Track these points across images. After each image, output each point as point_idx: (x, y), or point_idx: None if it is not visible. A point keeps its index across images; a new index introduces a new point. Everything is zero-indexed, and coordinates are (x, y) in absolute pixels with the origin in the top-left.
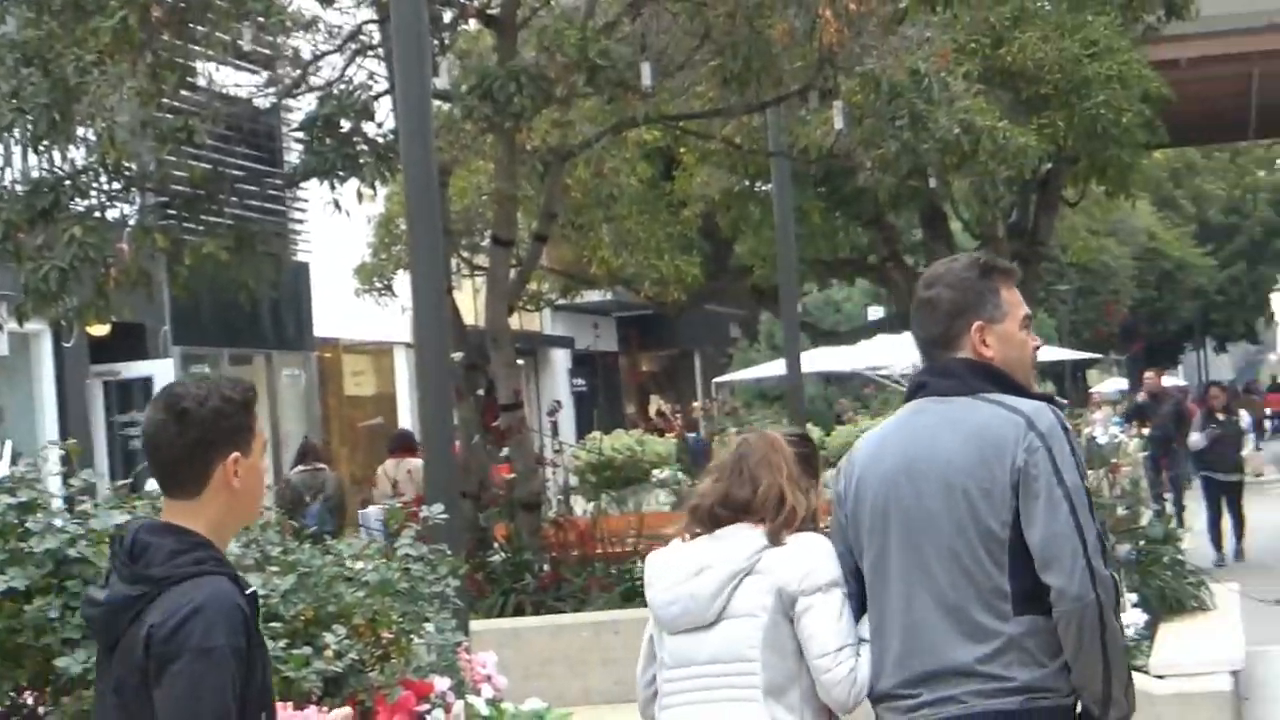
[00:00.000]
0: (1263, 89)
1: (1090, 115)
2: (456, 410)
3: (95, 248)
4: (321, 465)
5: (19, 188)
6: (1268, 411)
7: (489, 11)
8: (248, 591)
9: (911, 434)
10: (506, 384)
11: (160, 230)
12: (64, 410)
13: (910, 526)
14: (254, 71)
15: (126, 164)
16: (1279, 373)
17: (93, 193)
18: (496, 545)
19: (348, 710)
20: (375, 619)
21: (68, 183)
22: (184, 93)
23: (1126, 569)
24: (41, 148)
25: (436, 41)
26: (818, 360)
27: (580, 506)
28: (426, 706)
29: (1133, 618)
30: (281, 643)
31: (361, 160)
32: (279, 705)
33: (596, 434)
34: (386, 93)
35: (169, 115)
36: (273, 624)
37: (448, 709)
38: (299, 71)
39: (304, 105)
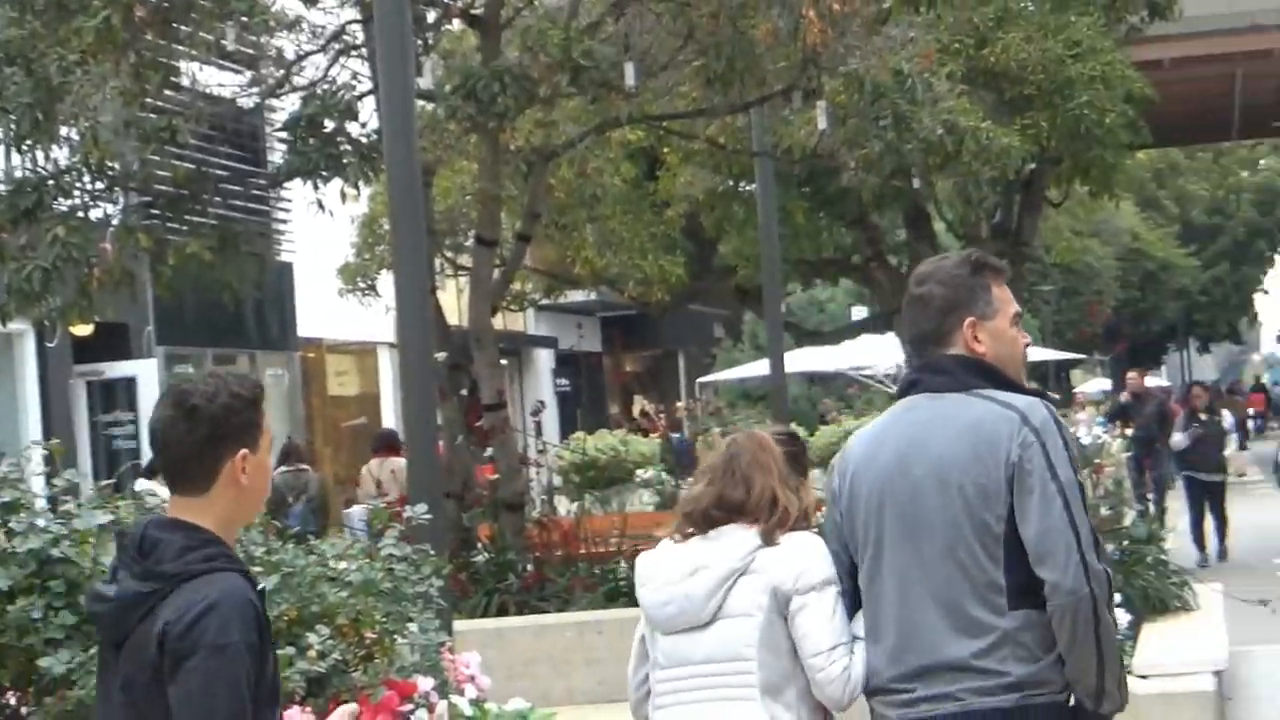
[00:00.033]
0: (1246, 89)
1: (1074, 116)
2: (440, 410)
3: (79, 247)
4: (304, 466)
5: (2, 187)
6: (1250, 411)
7: (472, 11)
8: (258, 588)
9: (905, 430)
10: (490, 384)
11: (144, 230)
12: (47, 410)
13: (905, 522)
14: (237, 71)
15: (110, 164)
16: (1262, 373)
17: (76, 192)
18: (480, 545)
19: (354, 707)
20: (359, 619)
21: (51, 182)
22: (167, 92)
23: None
24: (25, 147)
25: (420, 41)
26: (801, 360)
27: (564, 507)
28: (410, 706)
29: (1116, 618)
30: None
31: (345, 160)
32: None
33: (580, 434)
34: (370, 93)
35: (152, 115)
36: None
37: (431, 709)
38: (282, 71)
39: (288, 105)
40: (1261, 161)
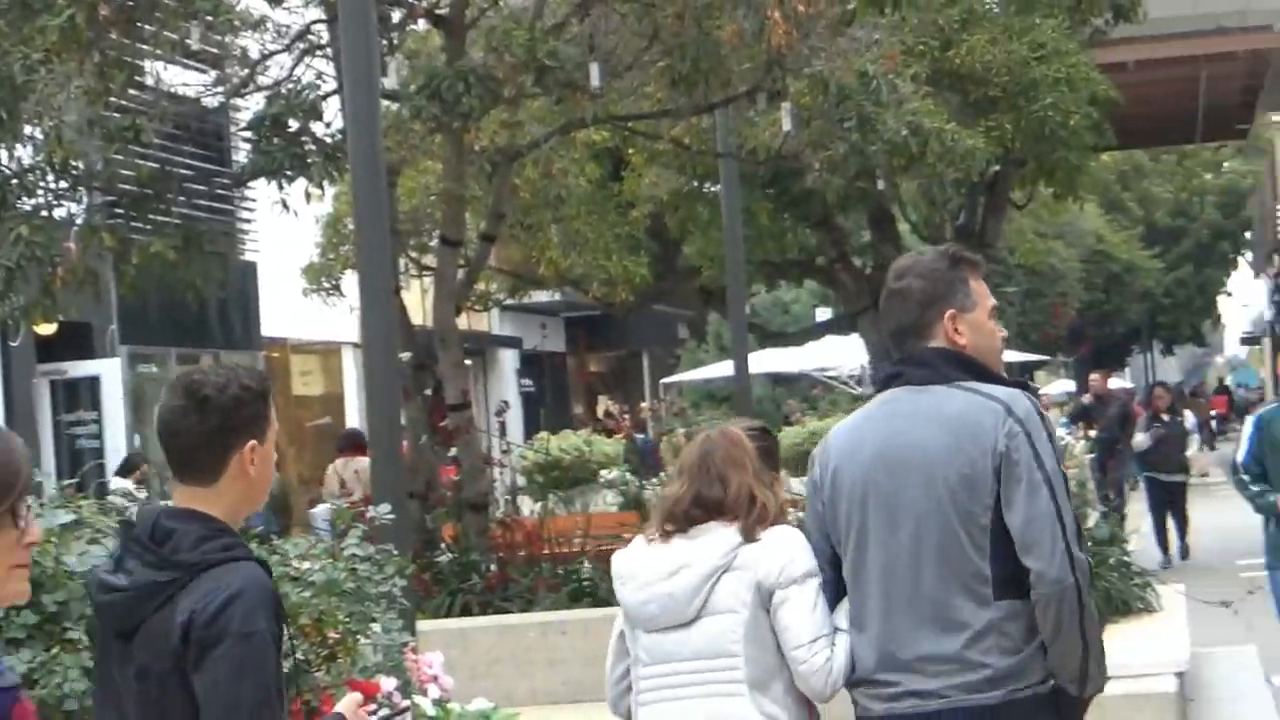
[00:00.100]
0: (1210, 91)
1: (1038, 118)
2: (404, 410)
3: (42, 246)
4: None
5: None
6: (1213, 413)
7: (437, 12)
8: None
9: (888, 423)
10: (454, 384)
11: (107, 229)
12: (10, 409)
13: (889, 515)
14: (202, 71)
15: (74, 163)
16: (1226, 375)
17: (40, 191)
18: (444, 545)
19: (358, 696)
20: (321, 619)
21: (14, 181)
22: (132, 92)
23: None
24: None
25: (385, 41)
26: (766, 361)
27: (528, 507)
28: (373, 707)
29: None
30: None
31: (309, 160)
32: None
33: (544, 434)
34: (334, 92)
35: (116, 114)
36: None
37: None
38: (247, 71)
39: (252, 104)
40: (1225, 164)
